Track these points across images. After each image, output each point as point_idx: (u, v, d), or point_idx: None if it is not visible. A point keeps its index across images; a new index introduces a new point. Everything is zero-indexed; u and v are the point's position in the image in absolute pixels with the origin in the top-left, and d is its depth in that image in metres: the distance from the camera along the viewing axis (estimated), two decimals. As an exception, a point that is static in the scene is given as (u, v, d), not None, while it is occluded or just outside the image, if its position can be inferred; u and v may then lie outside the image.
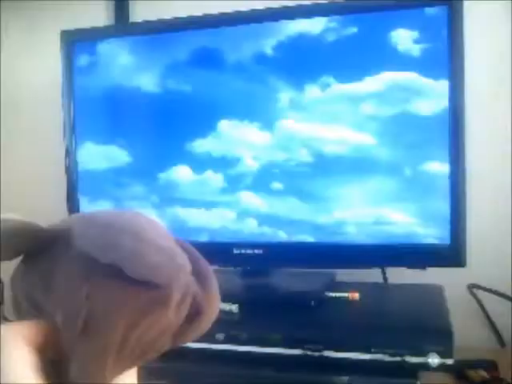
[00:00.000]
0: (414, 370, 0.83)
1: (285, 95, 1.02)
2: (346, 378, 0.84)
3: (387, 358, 0.84)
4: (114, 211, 0.37)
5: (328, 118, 1.00)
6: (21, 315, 0.38)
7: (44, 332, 0.34)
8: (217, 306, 0.39)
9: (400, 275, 1.08)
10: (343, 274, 1.09)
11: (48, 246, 0.36)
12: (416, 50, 0.95)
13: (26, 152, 1.43)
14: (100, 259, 0.33)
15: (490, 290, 1.10)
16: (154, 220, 0.36)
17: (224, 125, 1.05)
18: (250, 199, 1.04)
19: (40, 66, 1.39)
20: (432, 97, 0.94)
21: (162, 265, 0.33)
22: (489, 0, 1.11)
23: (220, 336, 0.89)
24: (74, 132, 1.15)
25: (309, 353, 0.87)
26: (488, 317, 1.12)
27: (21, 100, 1.43)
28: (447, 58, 0.93)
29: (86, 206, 1.15)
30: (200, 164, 1.07)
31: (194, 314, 0.36)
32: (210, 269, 0.38)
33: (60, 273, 0.35)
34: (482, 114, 1.10)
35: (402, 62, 0.96)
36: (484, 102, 1.11)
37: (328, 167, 1.01)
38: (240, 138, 1.05)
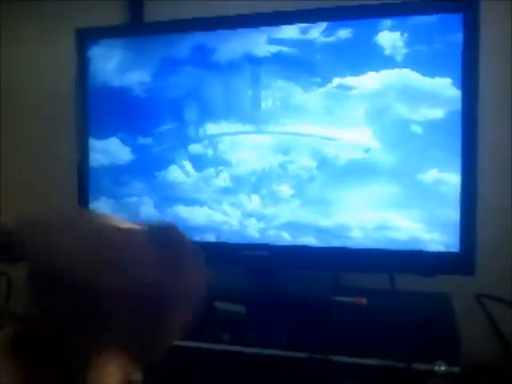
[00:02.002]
0: (420, 377, 0.83)
1: (291, 97, 1.02)
2: (350, 383, 0.84)
3: (393, 364, 0.83)
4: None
5: (334, 121, 1.00)
6: None
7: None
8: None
9: (407, 282, 1.07)
10: (351, 279, 1.09)
11: None
12: (428, 53, 0.95)
13: (37, 148, 1.43)
14: None
15: (497, 299, 1.09)
16: None
17: (227, 125, 1.06)
18: (253, 201, 1.05)
19: (54, 64, 1.40)
20: (444, 102, 0.94)
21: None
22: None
23: (226, 336, 0.89)
24: (87, 129, 1.16)
25: (314, 356, 0.86)
26: (495, 326, 1.11)
27: (34, 97, 1.43)
28: (461, 63, 0.93)
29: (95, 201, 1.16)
30: (203, 164, 1.08)
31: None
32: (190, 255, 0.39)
33: None
34: (490, 119, 1.09)
35: (413, 65, 0.96)
36: (491, 107, 1.10)
37: (332, 171, 1.01)
38: (243, 140, 1.05)
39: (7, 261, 0.38)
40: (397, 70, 0.96)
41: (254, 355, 0.88)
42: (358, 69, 0.98)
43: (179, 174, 1.09)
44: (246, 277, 1.09)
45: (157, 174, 1.11)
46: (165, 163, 1.10)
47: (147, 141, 1.12)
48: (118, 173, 1.14)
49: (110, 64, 1.14)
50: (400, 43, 0.96)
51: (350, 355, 0.85)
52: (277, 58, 1.03)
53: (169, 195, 1.10)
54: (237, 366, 0.89)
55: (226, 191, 1.07)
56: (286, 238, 1.03)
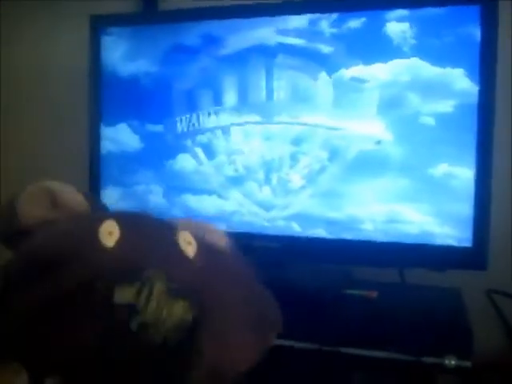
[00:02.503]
0: (430, 371, 0.82)
1: (301, 88, 1.01)
2: (360, 375, 0.84)
3: (403, 358, 0.83)
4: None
5: (345, 112, 0.99)
6: None
7: None
8: None
9: (418, 276, 1.06)
10: (362, 273, 1.09)
11: None
12: (443, 45, 0.94)
13: (49, 136, 1.43)
14: None
15: (509, 295, 1.09)
16: None
17: (237, 115, 1.05)
18: (264, 191, 1.04)
19: (67, 51, 1.39)
20: (459, 95, 0.93)
21: None
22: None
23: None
24: (99, 116, 1.16)
25: (324, 348, 0.86)
26: (506, 322, 1.11)
27: (46, 85, 1.43)
28: (478, 56, 0.92)
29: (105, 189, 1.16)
30: (213, 154, 1.08)
31: None
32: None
33: None
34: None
35: (426, 56, 0.95)
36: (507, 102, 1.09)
37: (344, 162, 1.00)
38: (254, 130, 1.05)
39: None
40: (409, 62, 0.95)
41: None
42: (370, 60, 0.98)
43: (189, 162, 1.09)
44: (256, 268, 1.08)
45: (166, 162, 1.11)
46: (174, 152, 1.10)
47: (157, 129, 1.12)
48: (127, 161, 1.14)
49: (123, 52, 1.13)
50: (413, 34, 0.95)
51: (359, 348, 0.85)
52: (287, 49, 1.02)
53: (178, 184, 1.10)
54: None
55: (236, 181, 1.07)
56: (296, 229, 1.03)
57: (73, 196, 0.44)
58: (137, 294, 0.33)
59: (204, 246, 0.39)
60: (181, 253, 0.37)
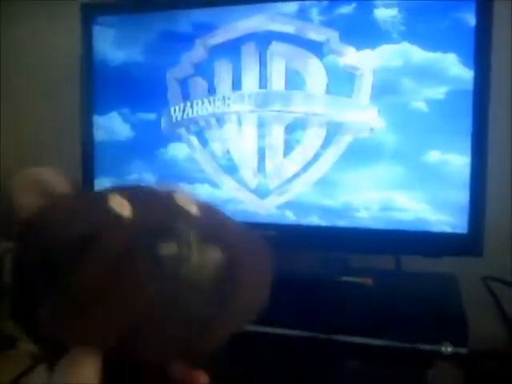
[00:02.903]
0: (427, 359, 0.82)
1: (294, 75, 1.00)
2: (356, 363, 0.84)
3: (399, 345, 0.82)
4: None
5: (339, 99, 0.98)
6: None
7: None
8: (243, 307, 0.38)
9: (413, 263, 1.06)
10: (358, 260, 1.08)
11: None
12: (438, 30, 0.93)
13: (41, 125, 1.42)
14: None
15: (504, 282, 1.08)
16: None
17: (230, 103, 1.04)
18: (258, 179, 1.04)
19: (60, 40, 1.38)
20: (455, 81, 0.92)
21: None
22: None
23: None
24: (91, 105, 1.15)
25: (318, 335, 0.86)
26: (501, 309, 1.11)
27: (39, 72, 1.42)
28: (472, 41, 0.91)
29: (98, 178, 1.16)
30: (206, 142, 1.07)
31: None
32: (248, 258, 0.38)
33: None
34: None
35: (421, 42, 0.94)
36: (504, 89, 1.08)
37: (338, 150, 0.99)
38: (247, 117, 1.04)
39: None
40: (402, 48, 0.94)
41: (257, 333, 0.88)
42: (362, 46, 0.97)
43: (181, 151, 1.08)
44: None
45: (158, 151, 1.10)
46: (167, 141, 1.10)
47: (150, 118, 1.11)
48: (120, 150, 1.13)
49: (115, 40, 1.12)
50: (404, 19, 0.94)
51: (355, 335, 0.85)
52: (279, 36, 1.01)
53: (171, 173, 1.09)
54: (240, 342, 0.88)
55: (229, 169, 1.06)
56: (291, 217, 1.02)
57: (60, 182, 0.44)
58: (178, 246, 0.35)
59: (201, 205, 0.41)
60: (188, 212, 0.39)
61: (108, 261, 0.34)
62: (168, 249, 0.35)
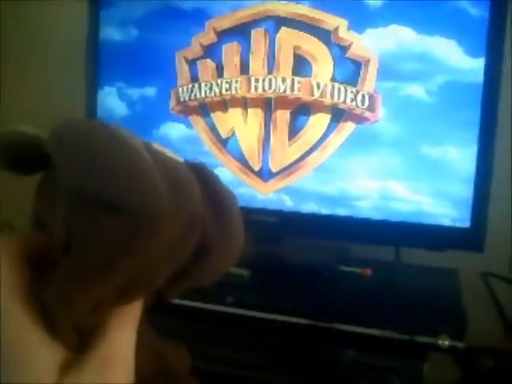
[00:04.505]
0: (423, 351, 0.82)
1: (293, 59, 1.00)
2: (353, 352, 0.84)
3: (397, 336, 0.82)
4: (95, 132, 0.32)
5: (343, 86, 0.98)
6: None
7: (37, 244, 0.32)
8: (235, 244, 0.35)
9: (414, 255, 1.06)
10: (358, 251, 1.08)
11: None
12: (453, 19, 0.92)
13: (46, 105, 1.41)
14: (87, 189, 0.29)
15: (504, 278, 1.08)
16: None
17: (227, 84, 1.04)
18: (257, 164, 1.04)
19: (65, 18, 1.37)
20: (461, 71, 0.91)
21: (132, 188, 0.29)
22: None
23: (229, 299, 0.88)
24: (98, 82, 1.14)
25: (316, 323, 0.86)
26: (499, 305, 1.10)
27: (45, 52, 1.42)
28: (486, 33, 0.90)
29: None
30: (211, 123, 1.07)
31: (203, 251, 0.33)
32: (233, 200, 0.35)
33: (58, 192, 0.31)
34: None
35: (434, 30, 0.93)
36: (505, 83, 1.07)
37: (338, 137, 0.99)
38: (245, 99, 1.03)
39: (22, 171, 0.35)
40: (410, 37, 0.94)
41: (256, 319, 0.87)
42: (371, 35, 0.96)
43: (187, 131, 1.08)
44: (252, 242, 1.08)
45: (164, 131, 1.09)
46: (173, 120, 1.09)
47: (156, 97, 1.10)
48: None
49: (122, 19, 1.11)
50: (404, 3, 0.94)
51: (352, 324, 0.84)
52: (288, 21, 1.00)
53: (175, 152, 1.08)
54: (238, 329, 0.88)
55: (234, 151, 1.06)
56: (292, 204, 1.02)
57: None
58: None
59: None
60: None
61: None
62: None
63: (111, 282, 0.30)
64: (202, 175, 0.35)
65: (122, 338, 0.32)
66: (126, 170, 0.29)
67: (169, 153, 0.35)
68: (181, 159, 0.36)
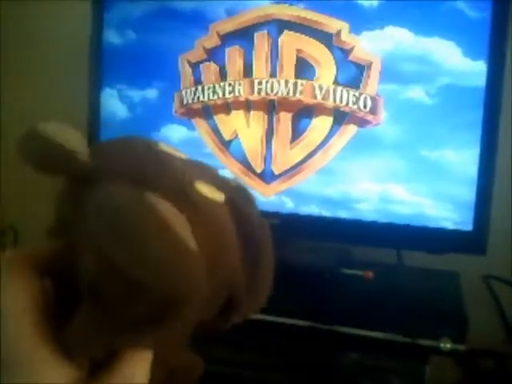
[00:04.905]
0: (425, 353, 0.82)
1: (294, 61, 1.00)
2: (354, 355, 0.84)
3: (398, 339, 0.83)
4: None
5: (345, 89, 0.98)
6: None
7: (52, 260, 0.32)
8: (263, 298, 0.38)
9: (416, 258, 1.06)
10: (360, 253, 1.08)
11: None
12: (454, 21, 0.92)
13: (48, 105, 1.42)
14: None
15: (506, 281, 1.08)
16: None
17: (229, 86, 1.05)
18: (258, 167, 1.04)
19: (68, 18, 1.38)
20: (463, 73, 0.92)
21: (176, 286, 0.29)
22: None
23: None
24: (101, 83, 1.15)
25: (318, 325, 0.86)
26: (500, 308, 1.10)
27: (47, 50, 1.42)
28: (488, 35, 0.90)
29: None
30: (214, 125, 1.07)
31: (230, 306, 0.35)
32: (268, 246, 0.38)
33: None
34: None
35: (437, 33, 0.93)
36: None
37: (338, 140, 0.99)
38: (246, 102, 1.04)
39: (50, 170, 0.33)
40: (412, 40, 0.94)
41: (257, 321, 0.88)
42: (373, 38, 0.96)
43: (190, 133, 1.08)
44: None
45: (167, 133, 1.10)
46: (176, 122, 1.09)
47: (159, 100, 1.10)
48: (127, 131, 1.12)
49: (125, 21, 1.12)
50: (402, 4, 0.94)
51: (353, 326, 0.85)
52: (291, 25, 1.01)
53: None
54: (240, 330, 0.88)
55: (237, 153, 1.06)
56: (294, 206, 1.02)
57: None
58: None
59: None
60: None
61: None
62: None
63: (136, 341, 0.31)
64: (241, 217, 0.36)
65: (136, 368, 0.32)
66: (169, 265, 0.28)
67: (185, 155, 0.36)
68: (228, 179, 0.37)
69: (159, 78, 1.11)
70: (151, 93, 1.11)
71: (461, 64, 0.91)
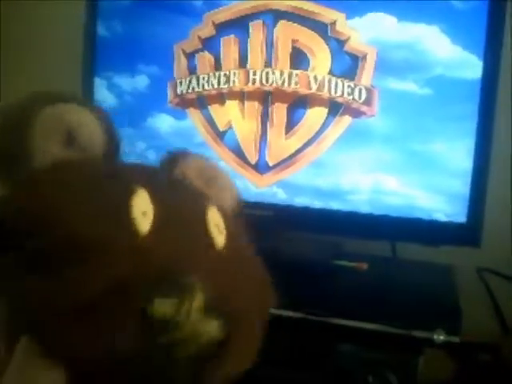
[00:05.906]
0: (418, 345, 0.82)
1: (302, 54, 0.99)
2: (347, 346, 0.84)
3: (392, 330, 0.82)
4: None
5: (341, 80, 0.97)
6: None
7: None
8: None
9: (410, 251, 1.06)
10: (353, 246, 1.08)
11: None
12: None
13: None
14: None
15: (499, 274, 1.08)
16: None
17: (235, 78, 1.04)
18: (251, 157, 1.04)
19: (62, 7, 1.37)
20: (460, 65, 0.91)
21: None
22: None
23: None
24: (94, 73, 1.14)
25: (311, 318, 0.85)
26: (494, 301, 1.10)
27: (42, 41, 1.41)
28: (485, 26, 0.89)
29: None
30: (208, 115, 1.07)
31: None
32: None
33: None
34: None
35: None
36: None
37: (331, 131, 0.99)
38: (240, 93, 1.03)
39: None
40: (408, 31, 0.94)
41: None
42: (369, 29, 0.95)
43: (184, 123, 1.08)
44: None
45: (161, 122, 1.09)
46: (171, 112, 1.09)
47: (153, 89, 1.10)
48: (120, 120, 1.11)
49: (120, 10, 1.11)
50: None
51: (347, 318, 0.84)
52: (286, 15, 1.00)
53: (173, 145, 1.08)
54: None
55: (231, 143, 1.05)
56: (287, 197, 1.02)
57: (89, 134, 0.39)
58: (176, 309, 0.31)
59: (229, 228, 0.38)
60: (212, 246, 0.35)
61: (94, 288, 0.30)
62: (163, 309, 0.30)
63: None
64: None
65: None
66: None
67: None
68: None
69: (154, 67, 1.10)
70: (143, 81, 1.10)
71: (455, 55, 0.91)
